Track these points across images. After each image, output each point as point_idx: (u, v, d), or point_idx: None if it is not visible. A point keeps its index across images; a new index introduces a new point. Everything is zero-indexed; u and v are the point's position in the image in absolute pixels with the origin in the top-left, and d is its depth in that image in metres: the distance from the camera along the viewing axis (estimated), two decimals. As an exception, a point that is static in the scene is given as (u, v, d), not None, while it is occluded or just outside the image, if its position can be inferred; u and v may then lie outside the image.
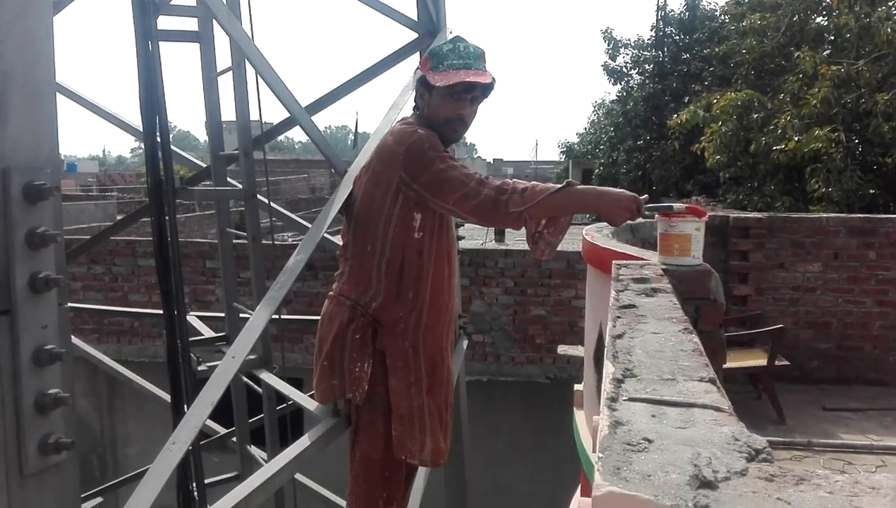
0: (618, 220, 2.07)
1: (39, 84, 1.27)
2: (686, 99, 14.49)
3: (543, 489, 8.00)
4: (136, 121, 3.82)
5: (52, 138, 1.29)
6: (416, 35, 3.96)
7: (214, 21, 3.54)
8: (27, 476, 1.21)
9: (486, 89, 2.29)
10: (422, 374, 2.34)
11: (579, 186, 2.10)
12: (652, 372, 1.05)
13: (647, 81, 17.59)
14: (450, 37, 2.37)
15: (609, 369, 1.07)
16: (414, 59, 3.94)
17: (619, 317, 1.46)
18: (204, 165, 4.24)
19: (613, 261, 2.40)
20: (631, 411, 0.88)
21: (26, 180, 1.20)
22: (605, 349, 1.26)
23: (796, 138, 9.23)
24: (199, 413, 1.63)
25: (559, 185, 2.09)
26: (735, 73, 12.89)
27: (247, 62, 3.37)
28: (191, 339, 3.57)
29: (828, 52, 10.44)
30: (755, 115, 10.37)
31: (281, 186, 22.96)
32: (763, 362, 5.11)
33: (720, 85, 13.94)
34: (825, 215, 6.23)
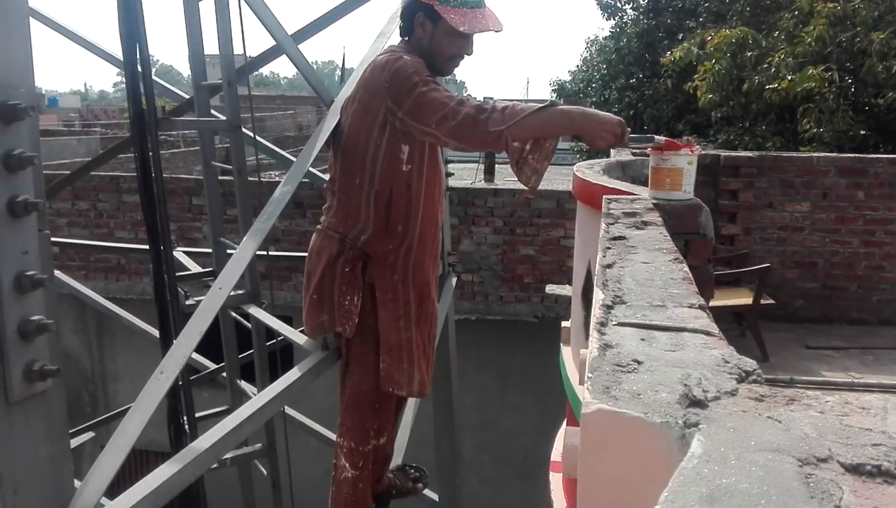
0: (601, 143, 2.03)
1: (10, 2, 1.21)
2: (680, 35, 14.23)
3: (529, 422, 8.17)
4: (118, 51, 3.71)
5: (25, 57, 1.24)
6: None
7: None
8: (13, 403, 1.20)
9: None
10: (410, 307, 2.35)
11: (563, 105, 2.05)
12: (642, 299, 1.04)
13: (641, 17, 17.23)
14: None
15: (599, 296, 1.06)
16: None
17: (609, 248, 1.45)
18: (187, 97, 4.13)
19: (604, 196, 2.38)
20: (620, 335, 0.87)
21: (0, 100, 1.15)
22: (595, 278, 1.25)
23: (790, 77, 9.12)
24: (186, 343, 1.62)
25: (541, 104, 2.02)
26: (730, 10, 12.64)
27: (230, -12, 3.25)
28: (178, 274, 3.55)
29: (824, -12, 10.21)
30: (749, 53, 10.21)
31: (267, 123, 22.57)
32: (749, 301, 5.16)
33: (715, 21, 13.66)
34: (815, 154, 6.22)
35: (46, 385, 1.25)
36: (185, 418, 3.36)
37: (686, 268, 1.27)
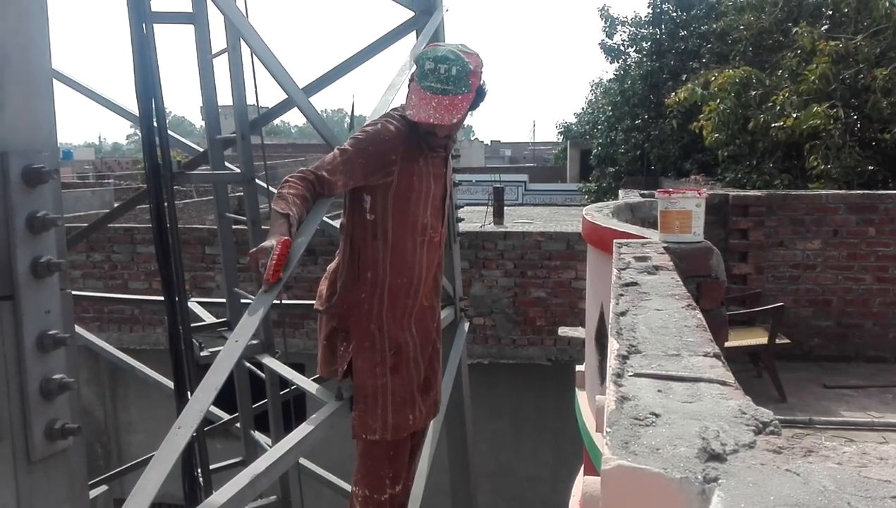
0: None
1: (35, 67, 1.25)
2: (684, 76, 14.41)
3: (545, 469, 8.05)
4: (132, 106, 3.80)
5: (49, 121, 1.28)
6: (412, 14, 3.93)
7: (209, 1, 3.51)
8: (34, 461, 1.21)
9: (477, 99, 2.30)
10: (386, 355, 2.38)
11: (289, 224, 2.09)
12: (657, 348, 1.05)
13: (645, 59, 17.49)
14: (434, 51, 2.29)
15: (614, 345, 1.07)
16: (410, 39, 3.91)
17: (621, 295, 1.46)
18: (201, 150, 4.22)
19: (614, 240, 2.40)
20: (637, 386, 0.87)
21: (25, 164, 1.19)
22: (609, 326, 1.25)
23: (795, 115, 9.18)
24: (203, 397, 1.64)
25: (284, 213, 2.10)
26: (733, 50, 12.81)
27: (242, 44, 3.34)
28: (192, 325, 3.57)
29: (826, 27, 10.34)
30: (753, 92, 10.31)
31: (278, 170, 22.86)
32: (764, 340, 5.11)
33: (718, 62, 13.85)
34: (824, 192, 6.22)
35: (67, 443, 1.26)
36: (199, 470, 3.35)
37: (699, 315, 1.27)
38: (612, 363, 0.99)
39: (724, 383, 0.88)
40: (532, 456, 8.27)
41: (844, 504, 0.56)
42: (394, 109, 2.43)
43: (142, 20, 3.15)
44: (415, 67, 2.29)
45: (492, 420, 7.87)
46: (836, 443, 0.70)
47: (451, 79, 2.20)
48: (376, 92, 3.38)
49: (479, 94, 2.30)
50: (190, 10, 3.57)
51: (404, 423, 2.39)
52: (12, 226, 1.17)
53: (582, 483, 1.67)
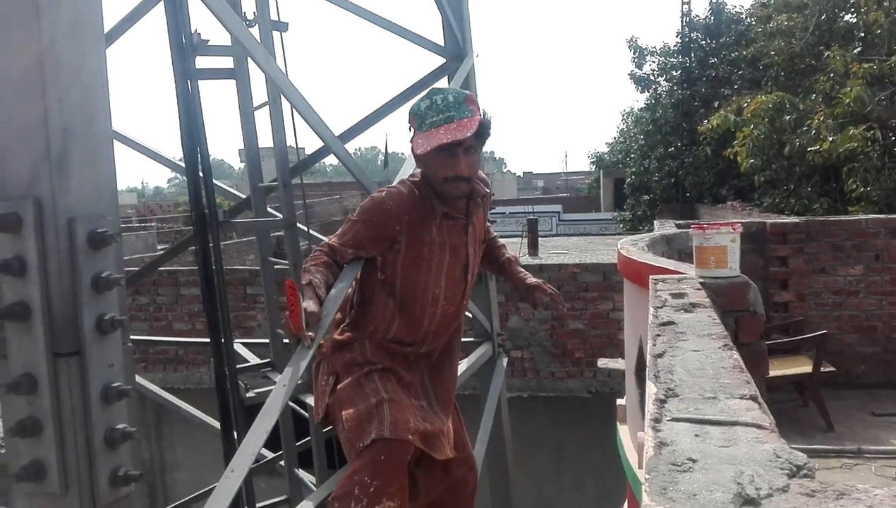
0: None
1: (98, 136, 1.35)
2: (716, 103, 14.38)
3: (587, 503, 7.93)
4: (173, 154, 3.95)
5: (111, 186, 1.37)
6: (443, 60, 4.05)
7: (249, 58, 3.66)
8: (100, 508, 1.28)
9: (481, 132, 2.17)
10: (373, 368, 2.19)
11: (312, 291, 2.08)
12: (694, 391, 1.08)
13: (676, 88, 17.51)
14: (423, 95, 2.21)
15: (651, 389, 1.10)
16: (442, 84, 4.02)
17: (658, 335, 1.49)
18: (243, 196, 4.35)
19: (651, 276, 2.42)
20: (675, 431, 0.91)
21: (90, 228, 1.28)
22: (647, 369, 1.29)
23: (831, 138, 9.10)
24: (254, 440, 1.70)
25: (305, 282, 2.11)
26: (765, 76, 12.77)
27: (281, 96, 3.47)
28: (237, 366, 3.66)
29: (858, 49, 10.27)
30: (787, 117, 10.25)
31: (315, 209, 23.26)
32: (808, 369, 5.03)
33: (750, 88, 13.81)
34: (864, 217, 6.14)
35: (130, 489, 1.33)
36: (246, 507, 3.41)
37: (736, 355, 1.30)
38: (650, 407, 1.03)
39: (759, 426, 0.91)
40: (574, 490, 8.16)
41: (874, 548, 0.59)
42: (400, 182, 2.35)
43: (186, 77, 3.30)
44: (412, 125, 2.21)
45: (533, 453, 7.81)
46: (869, 486, 0.73)
47: (451, 105, 2.13)
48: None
49: (484, 123, 2.18)
50: (231, 66, 3.73)
51: (404, 423, 2.02)
52: (79, 286, 1.26)
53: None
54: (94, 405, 1.26)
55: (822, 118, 9.49)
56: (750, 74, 14.30)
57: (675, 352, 1.33)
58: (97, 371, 1.27)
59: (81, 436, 1.25)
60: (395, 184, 2.35)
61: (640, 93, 19.08)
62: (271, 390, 3.72)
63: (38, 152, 1.24)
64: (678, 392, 1.08)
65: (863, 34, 10.53)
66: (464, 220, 2.28)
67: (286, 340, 3.95)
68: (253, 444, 1.68)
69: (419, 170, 2.32)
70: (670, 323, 1.62)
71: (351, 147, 3.47)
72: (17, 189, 1.25)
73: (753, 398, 1.03)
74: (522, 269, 2.61)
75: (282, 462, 4.38)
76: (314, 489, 3.96)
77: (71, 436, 1.25)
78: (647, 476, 0.77)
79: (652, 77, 18.58)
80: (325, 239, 2.90)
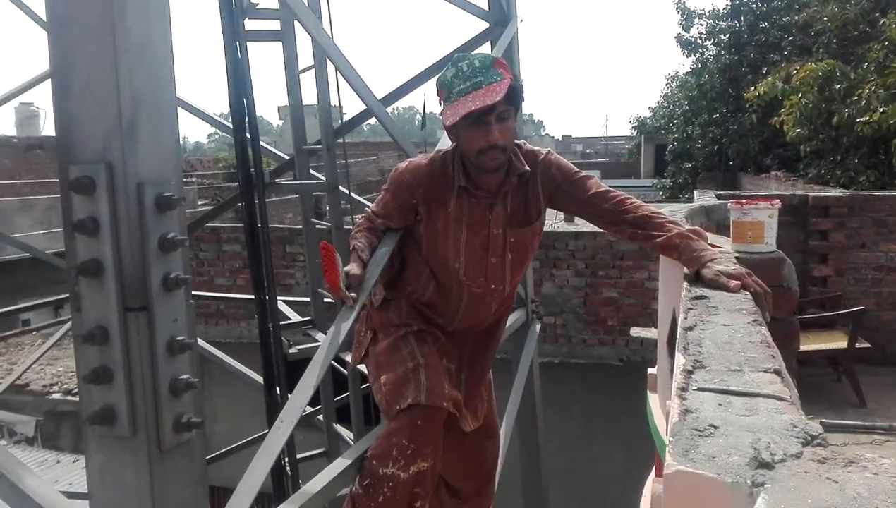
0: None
1: (164, 104, 1.44)
2: (764, 70, 14.01)
3: (616, 469, 8.04)
4: (213, 110, 4.03)
5: (175, 153, 1.47)
6: (486, 25, 4.05)
7: (296, 21, 3.72)
8: (165, 450, 1.40)
9: (514, 95, 2.04)
10: (410, 329, 2.24)
11: (358, 256, 2.18)
12: (720, 364, 1.14)
13: (723, 52, 17.05)
14: (448, 64, 2.09)
15: (680, 360, 1.17)
16: (485, 49, 4.03)
17: (690, 309, 1.55)
18: (286, 156, 4.45)
19: (686, 249, 2.45)
20: (699, 400, 0.97)
21: (157, 192, 1.38)
22: (677, 340, 1.35)
23: (881, 109, 8.84)
24: (302, 394, 1.81)
25: (350, 248, 2.21)
26: (816, 42, 12.37)
27: (326, 60, 3.53)
28: (280, 324, 3.80)
29: (916, 16, 9.90)
30: (837, 86, 9.97)
31: (352, 170, 23.42)
32: (843, 344, 5.02)
33: (800, 55, 13.41)
34: (910, 192, 6.02)
35: (192, 435, 1.45)
36: (286, 459, 3.58)
37: (765, 331, 1.35)
38: (677, 377, 1.09)
39: (780, 398, 0.97)
40: (603, 456, 8.27)
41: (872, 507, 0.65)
42: (438, 151, 2.30)
43: (235, 39, 3.38)
44: (440, 96, 2.11)
45: (563, 418, 7.92)
46: (877, 456, 0.79)
47: (477, 70, 2.00)
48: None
49: (515, 87, 2.04)
50: (278, 28, 3.79)
51: (440, 388, 2.04)
52: (147, 246, 1.35)
53: (652, 485, 1.75)
54: (161, 356, 1.37)
55: (873, 88, 9.22)
56: (801, 41, 13.87)
57: (705, 326, 1.38)
58: (163, 325, 1.38)
59: (149, 385, 1.37)
60: (424, 155, 2.33)
61: (686, 57, 18.61)
62: (313, 346, 3.87)
63: (110, 120, 1.33)
64: (705, 364, 1.14)
65: (922, 0, 10.14)
66: (489, 199, 2.17)
67: (329, 299, 4.08)
68: (300, 398, 1.79)
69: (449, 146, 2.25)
70: (703, 296, 1.67)
71: (389, 107, 3.52)
72: (90, 154, 1.34)
73: (777, 372, 1.09)
74: (702, 247, 2.00)
75: (320, 417, 4.55)
76: (351, 443, 4.12)
77: (139, 384, 1.36)
78: (670, 440, 0.84)
79: (699, 40, 18.11)
80: (365, 202, 2.96)
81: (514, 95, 2.03)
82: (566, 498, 8.21)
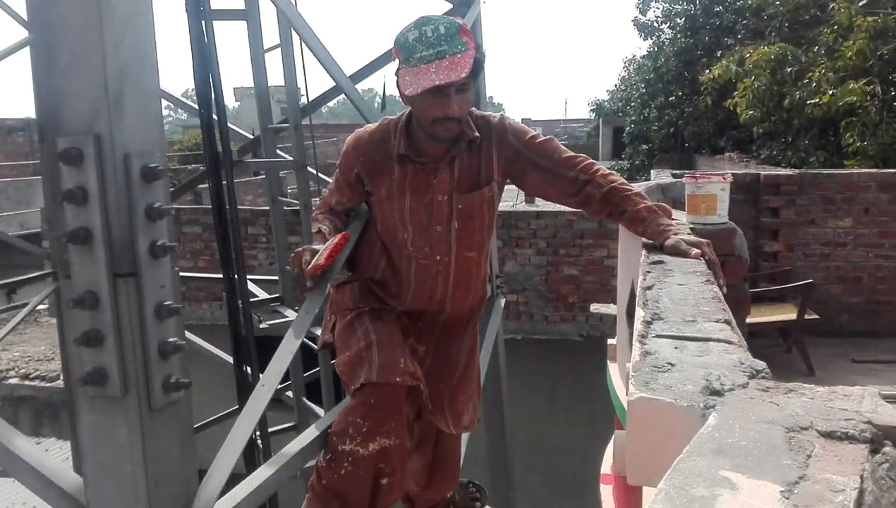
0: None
1: (148, 78, 1.48)
2: (718, 53, 14.31)
3: (577, 440, 8.26)
4: (174, 90, 4.02)
5: (159, 125, 1.51)
6: (450, 5, 4.11)
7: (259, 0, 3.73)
8: (155, 410, 1.46)
9: (476, 68, 1.97)
10: (363, 306, 2.22)
11: (323, 233, 2.21)
12: (676, 316, 1.25)
13: (679, 36, 17.35)
14: (410, 24, 1.98)
15: (640, 313, 1.27)
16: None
17: (648, 272, 1.66)
18: (251, 137, 4.47)
19: (644, 221, 2.57)
20: (658, 345, 1.08)
21: (143, 163, 1.42)
22: (637, 298, 1.45)
23: (831, 91, 9.15)
24: (282, 358, 1.87)
25: (315, 230, 2.25)
26: (769, 26, 12.69)
27: (293, 38, 3.55)
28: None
29: (863, 2, 10.20)
30: (789, 69, 10.27)
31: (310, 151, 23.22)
32: (793, 316, 5.25)
33: (753, 38, 13.73)
34: (856, 171, 6.29)
35: (179, 395, 1.51)
36: (258, 433, 3.64)
37: (716, 289, 1.47)
38: (637, 327, 1.20)
39: (729, 342, 1.08)
40: (564, 429, 8.49)
41: (807, 423, 0.76)
42: (385, 119, 2.25)
43: (200, 18, 3.38)
44: (397, 56, 2.00)
45: (525, 394, 8.09)
46: (813, 386, 0.90)
47: (442, 38, 1.91)
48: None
49: (479, 56, 1.98)
50: (243, 7, 3.80)
51: (392, 365, 2.02)
52: (134, 214, 1.41)
53: (613, 439, 1.84)
54: (149, 320, 1.43)
55: (823, 71, 9.52)
56: (754, 24, 14.20)
57: (663, 286, 1.50)
58: (151, 290, 1.43)
59: (138, 347, 1.42)
60: (371, 124, 2.25)
61: (643, 40, 18.93)
62: (283, 322, 3.91)
63: (97, 92, 1.37)
64: (663, 316, 1.25)
65: (869, -14, 10.44)
66: (434, 164, 2.12)
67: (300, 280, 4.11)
68: (281, 361, 1.86)
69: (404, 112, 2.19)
70: (660, 261, 1.79)
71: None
72: (78, 126, 1.38)
73: (727, 322, 1.20)
74: (667, 222, 2.06)
75: (289, 393, 4.60)
76: (322, 415, 4.19)
77: (129, 347, 1.41)
78: (633, 374, 0.94)
79: (656, 24, 18.40)
80: (330, 180, 2.91)
81: (476, 67, 1.97)
82: (527, 470, 8.41)
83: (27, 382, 11.47)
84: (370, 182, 2.18)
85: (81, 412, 1.48)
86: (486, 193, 2.18)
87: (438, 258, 2.20)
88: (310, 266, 2.02)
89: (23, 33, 3.97)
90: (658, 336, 1.12)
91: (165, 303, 1.46)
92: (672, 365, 0.97)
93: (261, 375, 1.94)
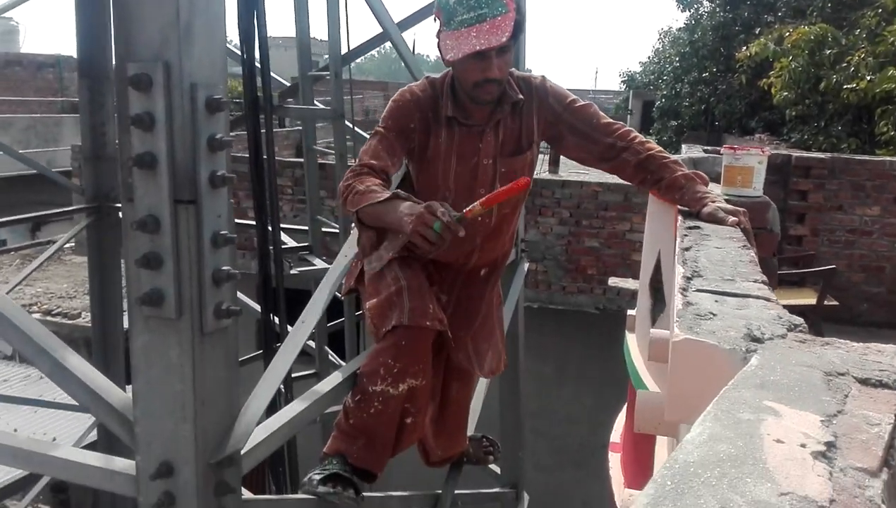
0: (415, 239, 1.87)
1: (215, 12, 1.53)
2: (757, 30, 14.02)
3: (585, 412, 8.37)
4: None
5: (223, 58, 1.57)
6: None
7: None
8: (206, 334, 1.54)
9: (517, 30, 1.97)
10: (393, 257, 2.20)
11: (403, 197, 1.94)
12: (715, 275, 1.29)
13: (718, 9, 16.98)
14: None
15: (679, 270, 1.32)
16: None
17: (685, 235, 1.70)
18: (288, 84, 4.50)
19: (678, 190, 2.59)
20: (699, 297, 1.13)
21: (208, 94, 1.48)
22: (675, 257, 1.50)
23: (869, 77, 8.98)
24: (321, 297, 1.95)
25: (386, 195, 1.94)
26: (811, 5, 12.41)
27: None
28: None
29: (911, -14, 9.95)
30: (828, 51, 10.07)
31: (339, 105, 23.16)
32: (812, 301, 5.25)
33: (794, 16, 13.43)
34: (888, 158, 6.23)
35: (229, 322, 1.58)
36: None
37: (753, 253, 1.51)
38: (678, 282, 1.25)
39: (767, 299, 1.12)
40: (573, 400, 8.59)
41: (844, 369, 0.81)
42: (428, 78, 2.23)
43: (248, -38, 3.40)
44: (438, 17, 2.01)
45: (537, 362, 8.18)
46: (848, 341, 0.95)
47: (483, 1, 1.91)
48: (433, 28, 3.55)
49: (520, 17, 1.99)
50: (290, -48, 3.80)
51: (422, 309, 2.07)
52: (198, 143, 1.46)
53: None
54: (206, 247, 1.49)
55: (863, 56, 9.33)
56: (795, 2, 13.87)
57: (700, 248, 1.54)
58: (209, 218, 1.50)
59: (195, 272, 1.49)
60: (415, 83, 2.22)
61: (681, 12, 18.50)
62: (313, 269, 3.99)
63: (167, 21, 1.42)
64: (702, 274, 1.30)
65: (918, -31, 10.16)
66: (479, 127, 2.14)
67: (325, 229, 4.17)
68: (320, 301, 1.93)
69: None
70: (696, 227, 1.83)
71: (377, 48, 3.59)
72: (148, 53, 1.44)
73: (765, 282, 1.25)
74: (705, 190, 2.08)
75: (311, 343, 4.71)
76: (343, 364, 4.30)
77: (186, 272, 1.48)
78: (677, 320, 0.99)
79: (696, -5, 18.00)
80: (365, 134, 2.86)
81: (516, 29, 1.97)
82: (535, 439, 8.55)
83: (49, 318, 11.73)
84: (420, 139, 2.15)
85: (136, 331, 1.55)
86: (529, 157, 2.22)
87: (479, 219, 2.17)
88: (482, 201, 1.90)
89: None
90: (699, 290, 1.17)
91: (221, 233, 1.52)
92: (714, 314, 1.02)
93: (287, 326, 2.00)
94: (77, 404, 1.71)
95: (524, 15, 2.09)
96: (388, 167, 2.09)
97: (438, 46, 2.01)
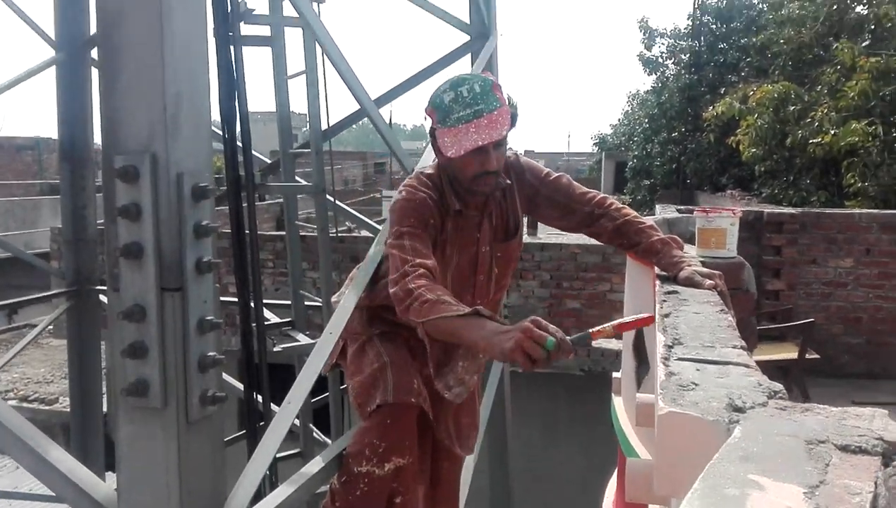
0: (511, 359, 1.73)
1: (201, 101, 1.58)
2: (722, 90, 14.51)
3: (577, 473, 8.25)
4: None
5: (209, 146, 1.61)
6: (468, 38, 4.23)
7: (285, 28, 3.86)
8: (191, 422, 1.53)
9: (511, 122, 2.01)
10: (374, 332, 2.26)
11: (486, 316, 1.76)
12: (695, 341, 1.32)
13: (683, 72, 17.59)
14: (444, 84, 2.02)
15: (660, 338, 1.35)
16: (465, 61, 4.21)
17: (664, 300, 1.74)
18: (268, 162, 4.57)
19: (655, 254, 2.65)
20: (681, 366, 1.16)
21: (194, 182, 1.52)
22: (655, 325, 1.53)
23: (833, 131, 9.28)
24: (308, 376, 1.94)
25: (465, 310, 1.76)
26: (772, 64, 12.88)
27: (318, 64, 3.66)
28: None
29: (867, 42, 10.37)
30: (792, 108, 10.42)
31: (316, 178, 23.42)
32: (794, 355, 5.29)
33: (757, 76, 13.94)
34: (858, 211, 6.38)
35: (215, 409, 1.58)
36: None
37: (731, 317, 1.54)
38: (660, 351, 1.27)
39: (747, 366, 1.15)
40: (563, 462, 8.48)
41: (824, 436, 0.84)
42: (418, 173, 2.21)
43: (229, 43, 3.50)
44: (431, 116, 2.04)
45: (524, 426, 8.10)
46: (827, 406, 0.97)
47: (478, 97, 1.95)
48: (412, 100, 3.64)
49: (514, 115, 2.05)
50: (268, 34, 3.92)
51: (406, 385, 2.06)
52: (184, 231, 1.49)
53: (628, 465, 1.85)
54: (192, 334, 1.50)
55: (825, 111, 9.67)
56: (758, 62, 14.41)
57: (679, 313, 1.57)
58: (195, 305, 1.51)
59: (180, 360, 1.50)
60: (413, 178, 2.18)
61: (648, 75, 19.16)
62: (296, 345, 3.97)
63: (155, 114, 1.46)
64: (682, 341, 1.33)
65: (872, 27, 10.63)
66: (477, 217, 2.18)
67: (308, 303, 4.15)
68: (306, 380, 1.92)
69: (428, 167, 2.22)
70: (674, 292, 1.87)
71: (359, 121, 3.70)
72: (136, 145, 1.47)
73: (743, 348, 1.28)
74: (680, 254, 2.13)
75: (295, 421, 4.63)
76: (328, 442, 4.24)
77: (171, 360, 1.49)
78: (660, 392, 1.01)
79: (660, 59, 18.66)
80: (347, 208, 2.89)
81: (511, 122, 2.01)
82: (525, 503, 8.39)
83: (26, 405, 11.45)
84: (432, 234, 2.09)
85: (121, 422, 1.54)
86: (518, 238, 2.29)
87: (478, 302, 2.16)
88: (615, 325, 1.78)
89: (37, 57, 4.08)
90: (680, 359, 1.20)
91: (207, 318, 1.53)
92: (696, 384, 1.04)
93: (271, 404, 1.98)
94: (54, 495, 1.68)
95: (517, 110, 2.20)
96: (435, 266, 1.98)
97: (435, 145, 2.04)
